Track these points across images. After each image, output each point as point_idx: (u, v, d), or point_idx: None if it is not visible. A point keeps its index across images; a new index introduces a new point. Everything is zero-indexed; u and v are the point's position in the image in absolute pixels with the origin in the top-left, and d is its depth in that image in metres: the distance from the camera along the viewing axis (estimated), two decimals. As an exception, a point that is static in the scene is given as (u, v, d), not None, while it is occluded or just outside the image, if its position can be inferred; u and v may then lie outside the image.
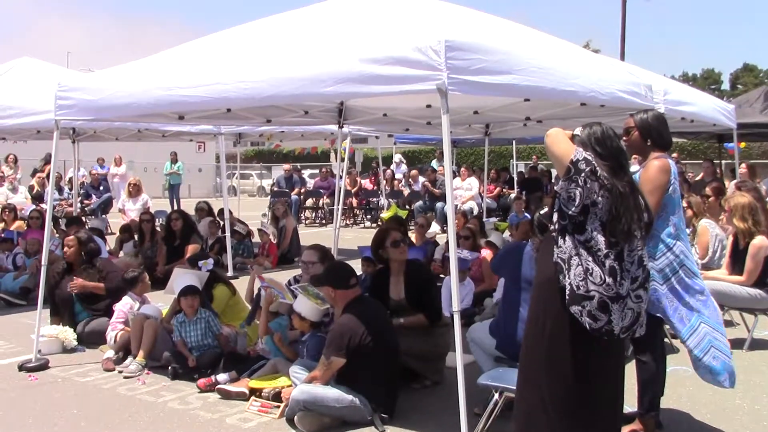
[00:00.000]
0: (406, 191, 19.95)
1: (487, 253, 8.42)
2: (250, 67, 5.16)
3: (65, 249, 7.26)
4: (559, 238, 3.47)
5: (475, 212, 15.60)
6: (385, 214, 16.65)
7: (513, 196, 16.41)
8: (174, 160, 23.75)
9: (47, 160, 15.70)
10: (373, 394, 4.72)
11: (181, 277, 6.26)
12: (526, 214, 11.96)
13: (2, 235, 10.59)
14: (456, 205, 14.11)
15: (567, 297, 3.40)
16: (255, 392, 5.21)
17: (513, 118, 8.73)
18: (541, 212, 4.65)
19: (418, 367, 5.45)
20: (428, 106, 7.56)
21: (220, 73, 5.30)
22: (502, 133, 11.46)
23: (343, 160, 10.65)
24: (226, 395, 5.30)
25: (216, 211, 12.68)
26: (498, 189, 18.31)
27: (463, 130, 10.94)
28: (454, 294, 4.13)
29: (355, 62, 4.46)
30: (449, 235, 4.25)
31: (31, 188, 17.36)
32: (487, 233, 10.04)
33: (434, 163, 22.09)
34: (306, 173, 27.01)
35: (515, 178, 19.81)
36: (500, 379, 4.27)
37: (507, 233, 10.00)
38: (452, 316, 4.19)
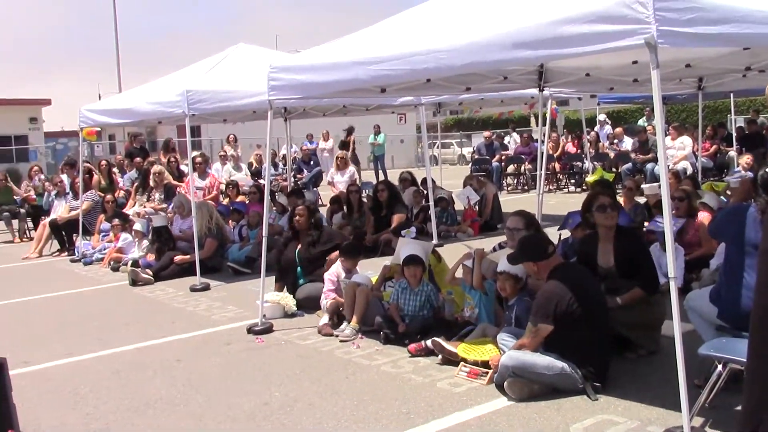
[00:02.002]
0: (612, 153, 19.12)
1: (704, 216, 7.87)
2: (448, 37, 5.18)
3: (297, 218, 7.72)
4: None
5: (689, 172, 14.63)
6: (590, 178, 16.10)
7: (731, 153, 15.19)
8: (377, 132, 24.47)
9: (167, 147, 16.88)
10: (584, 362, 4.62)
11: (406, 246, 6.44)
12: (748, 173, 11.01)
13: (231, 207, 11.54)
14: (668, 166, 13.31)
15: None
16: (464, 358, 5.30)
17: (731, 69, 8.04)
18: (767, 170, 4.26)
19: (632, 335, 5.24)
20: (634, 62, 7.16)
21: (418, 45, 5.37)
22: (717, 86, 10.61)
23: (545, 123, 10.39)
24: (440, 350, 5.42)
25: (419, 181, 12.93)
26: (714, 147, 17.03)
27: (674, 85, 10.24)
28: (670, 260, 3.92)
29: (556, 22, 4.32)
30: (663, 198, 4.01)
31: (249, 165, 18.67)
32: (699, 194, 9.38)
33: (641, 122, 20.97)
34: (506, 139, 26.70)
35: (734, 135, 18.29)
36: (724, 349, 3.99)
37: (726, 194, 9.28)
38: (668, 282, 3.98)
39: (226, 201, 13.20)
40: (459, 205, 12.74)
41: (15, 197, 15.16)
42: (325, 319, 6.64)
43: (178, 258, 9.65)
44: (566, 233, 7.46)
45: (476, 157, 22.25)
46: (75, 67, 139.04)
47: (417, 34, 5.63)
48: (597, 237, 5.55)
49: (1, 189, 15.16)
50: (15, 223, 14.96)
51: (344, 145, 22.60)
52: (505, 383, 4.72)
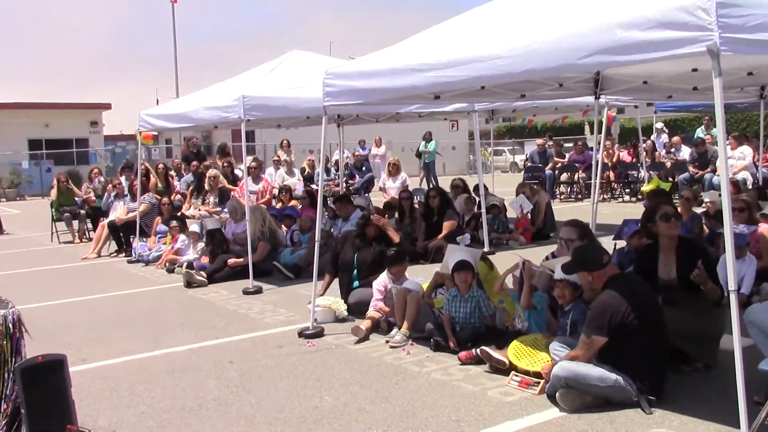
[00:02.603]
0: (669, 162, 18.74)
1: (765, 228, 7.66)
2: (504, 43, 5.15)
3: (372, 226, 7.78)
4: None
5: (749, 183, 14.27)
6: (646, 188, 15.82)
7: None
8: (428, 139, 24.45)
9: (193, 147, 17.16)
10: (639, 375, 4.54)
11: (455, 253, 6.43)
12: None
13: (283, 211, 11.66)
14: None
15: None
16: (514, 367, 5.26)
17: (795, 77, 7.83)
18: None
19: (689, 348, 5.12)
20: (694, 70, 7.03)
21: (475, 51, 5.36)
22: (780, 95, 10.34)
23: (600, 131, 10.24)
24: (488, 358, 5.39)
25: (471, 188, 12.88)
26: (778, 157, 16.56)
27: (734, 93, 10.01)
28: (730, 271, 3.82)
29: (614, 29, 4.27)
30: (723, 208, 3.92)
31: (302, 170, 18.85)
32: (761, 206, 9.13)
33: (699, 132, 20.53)
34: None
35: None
36: (787, 366, 3.89)
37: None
38: (728, 295, 3.88)
39: (278, 205, 13.35)
40: (511, 213, 12.65)
41: (76, 198, 15.60)
42: (363, 323, 6.65)
43: (231, 261, 9.79)
44: (621, 243, 7.35)
45: (529, 164, 22.06)
46: (134, 73, 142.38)
47: (473, 40, 5.62)
48: (657, 247, 5.44)
49: (63, 191, 15.60)
50: (75, 223, 15.37)
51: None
52: (558, 394, 4.67)
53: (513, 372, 5.19)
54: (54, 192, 15.71)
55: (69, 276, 10.96)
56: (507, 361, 5.30)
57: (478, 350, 5.58)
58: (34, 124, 36.37)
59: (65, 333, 7.22)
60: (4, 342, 4.60)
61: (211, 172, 13.65)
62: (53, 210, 15.51)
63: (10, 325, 4.63)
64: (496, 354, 5.40)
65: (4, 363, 4.59)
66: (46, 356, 4.57)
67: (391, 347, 6.19)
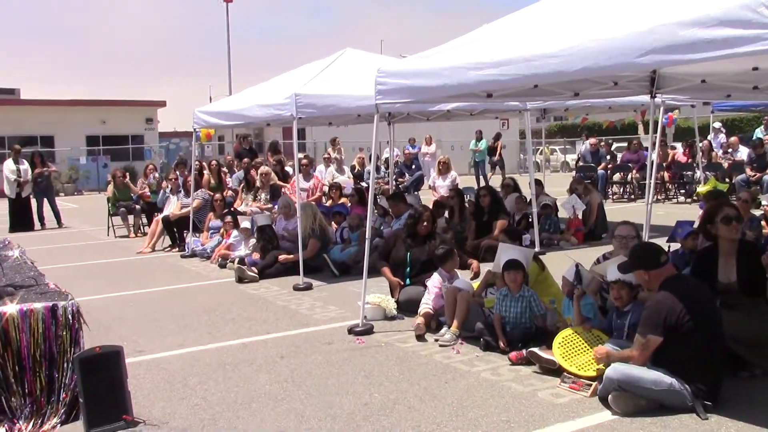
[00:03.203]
0: (726, 163, 18.30)
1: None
2: (559, 41, 5.10)
3: (424, 224, 7.76)
4: None
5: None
6: (702, 188, 15.47)
7: None
8: (479, 138, 24.33)
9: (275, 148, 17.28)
10: (694, 379, 4.45)
11: (506, 252, 6.39)
12: None
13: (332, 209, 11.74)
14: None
15: None
16: (564, 369, 5.21)
17: None
18: None
19: (747, 353, 5.00)
20: (755, 68, 6.83)
21: (528, 49, 5.31)
22: None
23: (656, 131, 10.05)
24: (537, 360, 5.35)
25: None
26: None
27: (796, 92, 9.72)
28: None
29: (673, 27, 4.19)
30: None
31: (352, 168, 18.93)
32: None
33: (759, 132, 19.99)
34: (612, 146, 26.13)
35: None
36: None
37: None
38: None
39: (328, 203, 13.44)
40: (563, 213, 12.51)
41: (131, 194, 15.95)
42: (419, 320, 6.65)
43: (282, 257, 9.89)
44: (675, 245, 7.21)
45: (581, 164, 21.79)
46: (188, 71, 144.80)
47: (526, 38, 5.57)
48: (716, 250, 5.32)
49: (120, 186, 15.96)
50: (131, 218, 15.72)
51: (492, 151, 23.01)
52: (610, 397, 4.60)
53: (564, 373, 5.14)
54: (111, 187, 16.09)
55: (124, 269, 11.21)
56: (557, 362, 5.24)
57: (526, 351, 5.54)
58: (92, 121, 37.31)
59: (121, 325, 7.39)
60: (64, 333, 4.74)
61: (263, 169, 13.81)
62: (110, 205, 15.88)
63: (70, 317, 4.77)
64: (545, 355, 5.35)
65: (64, 353, 4.73)
66: (103, 347, 4.69)
67: (441, 346, 6.19)
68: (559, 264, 6.86)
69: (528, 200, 11.82)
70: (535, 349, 5.44)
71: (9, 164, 17.40)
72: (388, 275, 7.71)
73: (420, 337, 6.46)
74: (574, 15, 5.43)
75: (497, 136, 22.96)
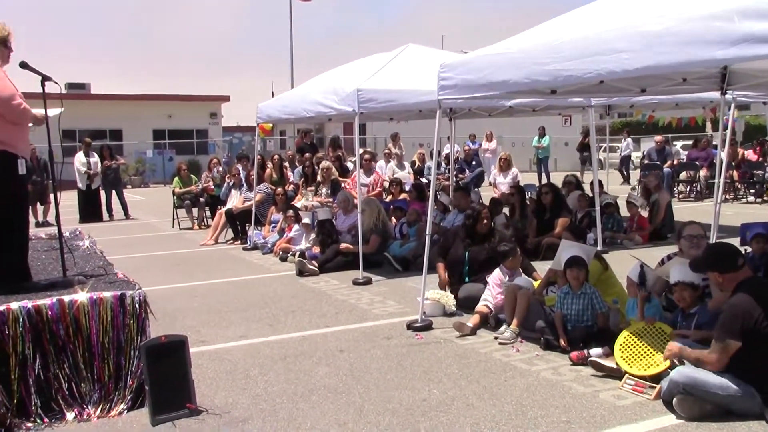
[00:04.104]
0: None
1: None
2: (627, 36, 4.98)
3: (484, 221, 7.76)
4: None
5: None
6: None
7: None
8: (542, 135, 24.05)
9: (336, 144, 17.28)
10: (766, 385, 4.30)
11: (568, 249, 6.31)
12: None
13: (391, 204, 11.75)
14: None
15: None
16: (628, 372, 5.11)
17: None
18: None
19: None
20: (833, 63, 6.58)
21: (596, 45, 5.21)
22: None
23: (726, 128, 9.77)
24: (599, 368, 5.27)
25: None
26: None
27: None
28: None
29: (751, 20, 4.05)
30: None
31: (412, 163, 18.93)
32: None
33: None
34: (678, 144, 25.58)
35: None
36: None
37: None
38: None
39: (388, 198, 13.47)
40: (626, 212, 12.27)
41: (193, 190, 16.26)
42: (470, 320, 6.61)
43: (343, 245, 9.97)
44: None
45: (646, 162, 21.32)
46: (251, 66, 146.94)
47: (592, 33, 5.45)
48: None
49: (185, 179, 16.31)
50: (195, 211, 16.05)
51: (585, 147, 22.80)
52: (674, 400, 4.50)
53: (627, 375, 5.04)
54: (177, 180, 16.46)
55: (188, 261, 11.44)
56: (621, 369, 5.14)
57: (588, 351, 5.46)
58: (159, 115, 38.22)
59: (185, 315, 7.56)
60: (131, 321, 4.88)
61: (324, 164, 13.91)
62: (175, 197, 16.25)
63: (137, 306, 4.90)
64: (607, 363, 5.27)
65: (131, 341, 4.87)
66: (168, 336, 4.81)
67: (500, 344, 6.15)
68: (623, 264, 6.74)
69: (590, 198, 11.63)
70: (597, 358, 5.35)
71: (80, 157, 17.94)
72: (440, 272, 7.71)
73: (469, 335, 6.42)
74: (642, 9, 5.30)
75: (586, 132, 22.59)
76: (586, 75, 5.34)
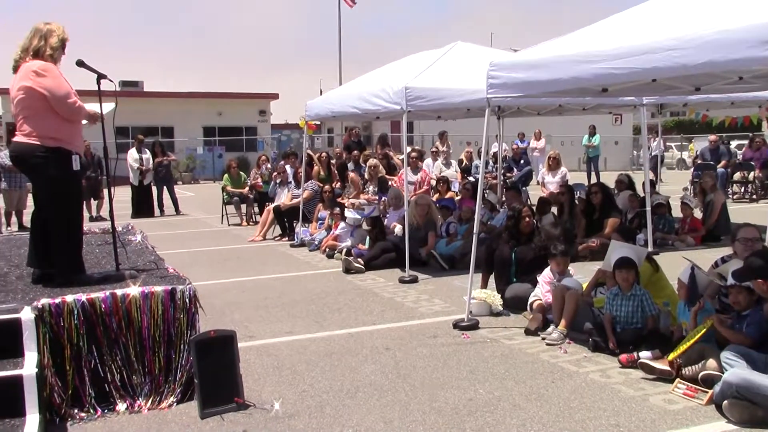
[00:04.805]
0: None
1: None
2: (681, 33, 4.89)
3: (527, 219, 7.72)
4: None
5: None
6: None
7: None
8: (592, 133, 23.74)
9: (384, 142, 17.21)
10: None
11: (618, 250, 6.21)
12: None
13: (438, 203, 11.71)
14: None
15: None
16: (679, 373, 5.02)
17: None
18: None
19: None
20: None
21: (647, 42, 5.13)
22: None
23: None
24: (649, 371, 5.18)
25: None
26: None
27: None
28: None
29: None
30: None
31: (460, 162, 18.86)
32: None
33: None
34: (733, 144, 25.01)
35: None
36: None
37: None
38: None
39: (435, 196, 13.43)
40: (677, 212, 12.04)
41: (243, 187, 16.47)
42: (535, 319, 6.56)
43: (397, 226, 9.94)
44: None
45: (699, 162, 20.87)
46: (300, 64, 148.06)
47: (645, 31, 5.37)
48: None
49: (234, 176, 16.53)
50: (243, 207, 16.24)
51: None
52: (725, 404, 4.40)
53: (678, 379, 4.95)
54: (226, 177, 16.70)
55: (237, 257, 11.59)
56: (672, 371, 5.05)
57: (637, 354, 5.37)
58: (209, 113, 38.78)
59: (234, 310, 7.65)
60: (181, 315, 4.96)
61: (371, 161, 13.95)
62: (224, 194, 16.47)
63: (187, 300, 4.99)
64: (658, 365, 5.17)
65: (181, 335, 4.95)
66: (218, 331, 4.88)
67: (548, 345, 6.09)
68: (674, 265, 6.61)
69: (641, 198, 11.43)
70: (648, 360, 5.26)
71: (132, 153, 18.30)
72: (481, 282, 7.70)
73: (538, 330, 6.37)
74: (695, 7, 5.19)
75: (656, 131, 22.23)
76: (637, 73, 5.27)
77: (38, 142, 5.18)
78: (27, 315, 4.54)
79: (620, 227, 7.95)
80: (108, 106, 5.59)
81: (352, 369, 5.61)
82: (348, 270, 9.68)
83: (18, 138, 5.28)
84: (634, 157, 36.66)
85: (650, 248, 10.00)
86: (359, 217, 10.74)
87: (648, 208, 10.71)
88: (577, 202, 11.55)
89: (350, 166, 15.43)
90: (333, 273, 9.79)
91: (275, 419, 4.62)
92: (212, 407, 4.67)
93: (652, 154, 26.34)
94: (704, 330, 4.96)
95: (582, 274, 7.55)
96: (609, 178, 15.63)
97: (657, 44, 5.01)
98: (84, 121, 5.50)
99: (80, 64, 5.48)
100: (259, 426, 4.52)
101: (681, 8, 5.39)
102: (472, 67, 8.99)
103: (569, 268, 6.95)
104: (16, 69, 5.32)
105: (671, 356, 5.10)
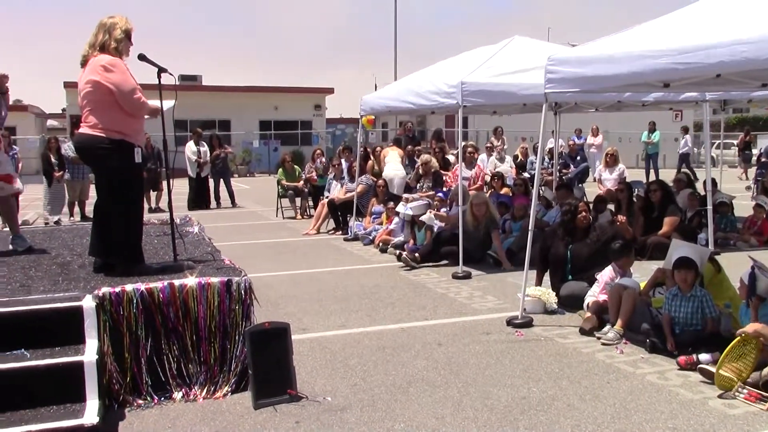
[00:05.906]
0: None
1: None
2: (747, 27, 4.76)
3: (582, 215, 7.60)
4: None
5: None
6: None
7: None
8: (652, 130, 23.27)
9: (438, 137, 16.99)
10: None
11: (679, 249, 6.07)
12: None
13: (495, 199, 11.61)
14: None
15: None
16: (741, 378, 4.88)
17: None
18: None
19: None
20: None
21: (711, 37, 5.01)
22: None
23: None
24: (710, 377, 5.05)
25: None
26: None
27: None
28: None
29: None
30: None
31: (515, 157, 18.67)
32: None
33: None
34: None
35: None
36: None
37: None
38: None
39: (489, 192, 13.32)
40: (739, 212, 11.70)
41: (300, 183, 16.61)
42: (590, 320, 6.45)
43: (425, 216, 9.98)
44: None
45: (763, 160, 20.26)
46: (355, 59, 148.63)
47: (709, 25, 5.25)
48: None
49: (289, 170, 16.69)
50: (298, 201, 16.39)
51: (747, 145, 22.13)
52: (789, 410, 4.26)
53: (740, 383, 4.81)
54: (281, 171, 16.86)
55: (291, 250, 11.69)
56: (734, 377, 4.90)
57: (697, 356, 5.24)
58: (265, 107, 39.20)
59: (288, 303, 7.72)
60: (237, 307, 5.03)
61: (424, 157, 13.89)
62: (279, 187, 16.64)
63: (242, 292, 5.05)
64: (721, 372, 5.02)
65: (236, 326, 5.02)
66: (272, 323, 4.93)
67: (603, 344, 5.99)
68: (737, 266, 6.42)
69: (702, 197, 11.14)
70: (708, 367, 5.11)
71: (191, 146, 18.62)
72: (535, 280, 7.64)
73: (592, 330, 6.28)
74: (759, 1, 5.03)
75: (748, 130, 21.69)
76: (701, 68, 5.14)
77: (103, 134, 5.32)
78: (88, 303, 4.66)
79: (679, 227, 7.75)
80: (169, 103, 5.69)
81: (404, 364, 5.61)
82: (402, 264, 9.64)
83: (83, 129, 5.43)
84: (694, 154, 35.72)
85: (712, 248, 9.75)
86: (410, 213, 10.69)
87: (709, 207, 10.43)
88: (635, 199, 11.33)
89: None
90: (386, 267, 9.81)
91: (328, 411, 4.65)
92: (265, 398, 4.73)
93: (680, 151, 25.73)
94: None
95: (640, 273, 7.40)
96: (668, 176, 15.29)
97: (722, 38, 4.88)
98: (146, 116, 5.62)
99: (142, 58, 5.59)
100: (312, 418, 4.55)
101: (743, 3, 5.24)
102: (529, 62, 8.89)
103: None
104: (84, 63, 5.47)
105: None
